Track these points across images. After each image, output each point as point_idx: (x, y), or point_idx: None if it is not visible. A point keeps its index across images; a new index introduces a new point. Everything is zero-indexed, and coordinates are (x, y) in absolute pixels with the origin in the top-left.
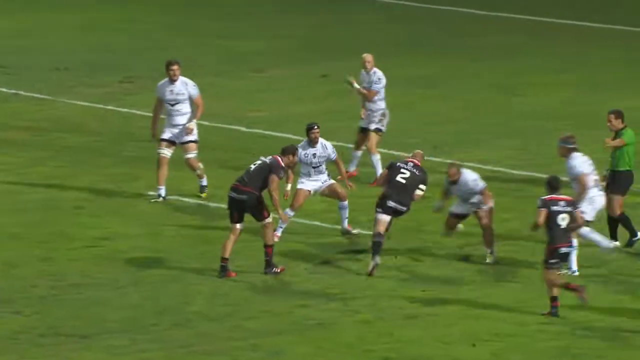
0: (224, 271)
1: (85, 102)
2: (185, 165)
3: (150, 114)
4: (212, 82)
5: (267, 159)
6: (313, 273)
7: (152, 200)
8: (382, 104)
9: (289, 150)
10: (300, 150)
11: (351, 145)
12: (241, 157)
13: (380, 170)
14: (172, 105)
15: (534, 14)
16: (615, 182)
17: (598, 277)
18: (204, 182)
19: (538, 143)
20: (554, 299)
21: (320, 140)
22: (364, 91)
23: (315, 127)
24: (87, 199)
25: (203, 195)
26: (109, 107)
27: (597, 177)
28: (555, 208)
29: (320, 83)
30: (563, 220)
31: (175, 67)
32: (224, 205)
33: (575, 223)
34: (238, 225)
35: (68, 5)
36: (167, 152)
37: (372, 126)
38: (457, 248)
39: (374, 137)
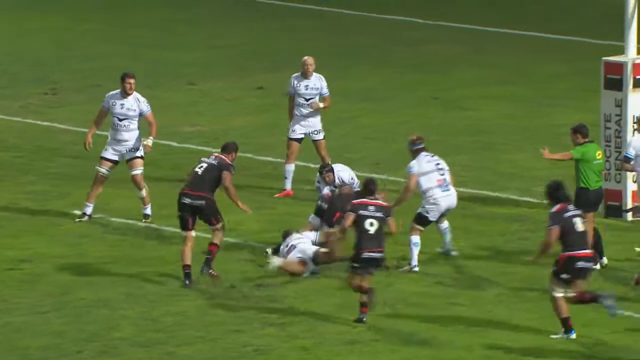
0: (189, 278)
1: (3, 116)
2: (131, 182)
3: (76, 128)
4: (143, 94)
5: (213, 160)
6: (247, 296)
7: (77, 220)
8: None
9: (231, 147)
10: None
11: (300, 162)
12: (171, 174)
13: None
14: (120, 120)
15: (476, 24)
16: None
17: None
18: (148, 210)
19: (483, 159)
20: (363, 305)
21: None
22: (323, 104)
23: None
24: (6, 217)
25: (146, 221)
26: (30, 121)
27: (445, 178)
28: (363, 212)
29: (257, 96)
30: (371, 226)
31: (132, 80)
32: (154, 225)
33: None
34: (192, 232)
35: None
36: (107, 172)
37: (322, 135)
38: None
39: (323, 144)
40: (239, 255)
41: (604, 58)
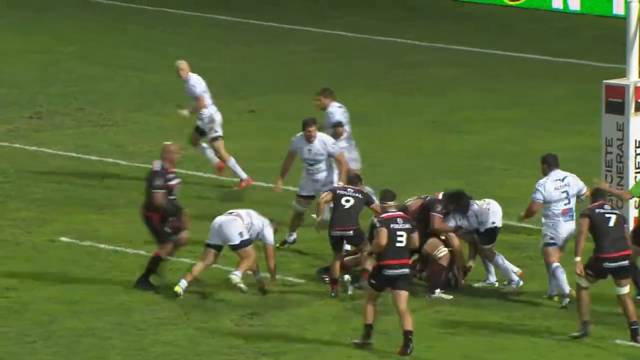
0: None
1: None
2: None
3: (63, 152)
4: (130, 118)
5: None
6: (240, 325)
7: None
8: (207, 111)
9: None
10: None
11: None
12: None
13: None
14: (310, 165)
15: (473, 46)
16: None
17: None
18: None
19: (481, 183)
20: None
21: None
22: (190, 110)
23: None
24: None
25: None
26: (16, 145)
27: None
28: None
29: (248, 119)
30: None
31: (311, 128)
32: (143, 252)
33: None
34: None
35: None
36: (304, 208)
37: (211, 135)
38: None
39: (220, 145)
40: (228, 285)
41: (605, 81)
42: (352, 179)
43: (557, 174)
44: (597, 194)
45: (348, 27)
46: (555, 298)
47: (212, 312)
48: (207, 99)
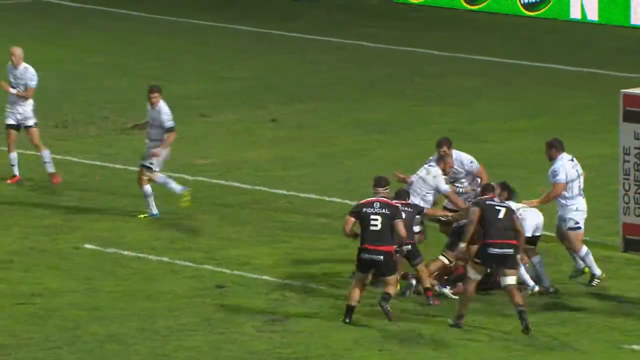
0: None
1: (17, 149)
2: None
3: (88, 161)
4: None
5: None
6: (261, 331)
7: None
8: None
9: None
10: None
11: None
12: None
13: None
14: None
15: (494, 55)
16: None
17: None
18: None
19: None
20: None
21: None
22: (23, 93)
23: None
24: (18, 252)
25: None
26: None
27: None
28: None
29: (270, 128)
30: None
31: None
32: (166, 259)
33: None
34: None
35: None
36: None
37: (31, 122)
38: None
39: (36, 132)
40: (254, 289)
41: (622, 90)
42: (400, 193)
43: (566, 155)
44: (486, 188)
45: (368, 37)
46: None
47: (234, 318)
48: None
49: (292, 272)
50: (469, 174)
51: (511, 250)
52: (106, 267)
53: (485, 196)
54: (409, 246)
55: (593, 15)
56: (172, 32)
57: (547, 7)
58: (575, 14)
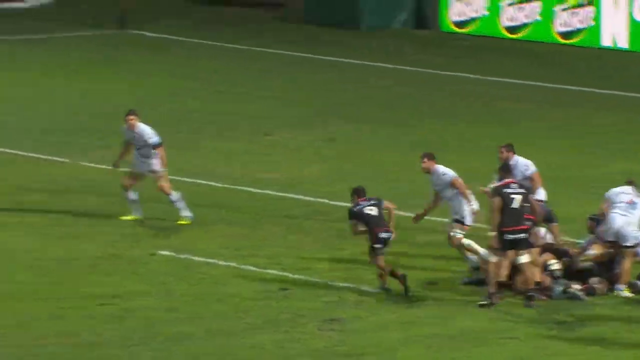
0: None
1: (95, 164)
2: None
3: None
4: (221, 144)
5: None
6: (322, 330)
7: None
8: None
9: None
10: None
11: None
12: (254, 218)
13: None
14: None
15: (533, 79)
16: None
17: None
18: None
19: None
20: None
21: None
22: None
23: None
24: (101, 257)
25: None
26: (121, 169)
27: None
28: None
29: (329, 146)
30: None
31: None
32: (234, 264)
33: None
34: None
35: (79, 73)
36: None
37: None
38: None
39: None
40: (315, 292)
41: None
42: None
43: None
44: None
45: (419, 63)
46: None
47: (296, 319)
48: None
49: (349, 277)
50: (525, 178)
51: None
52: (179, 272)
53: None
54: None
55: (623, 43)
56: (245, 59)
57: (581, 36)
58: (606, 41)
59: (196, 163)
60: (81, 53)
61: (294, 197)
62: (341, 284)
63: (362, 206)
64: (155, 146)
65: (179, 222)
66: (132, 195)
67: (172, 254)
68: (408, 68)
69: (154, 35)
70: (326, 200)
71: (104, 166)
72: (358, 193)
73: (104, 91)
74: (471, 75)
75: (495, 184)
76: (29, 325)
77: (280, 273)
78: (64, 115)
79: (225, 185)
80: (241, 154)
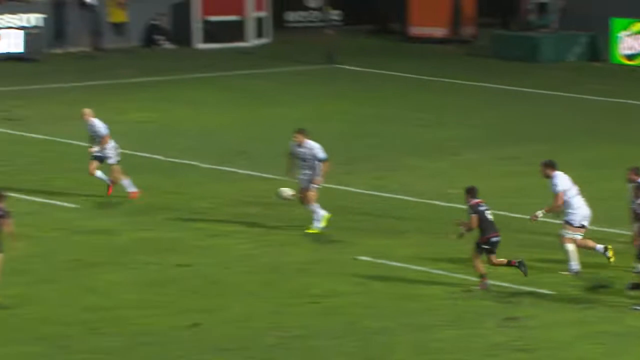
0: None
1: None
2: None
3: (365, 191)
4: (418, 164)
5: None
6: (501, 327)
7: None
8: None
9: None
10: None
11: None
12: (439, 228)
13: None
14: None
15: None
16: None
17: None
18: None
19: None
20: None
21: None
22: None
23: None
24: (310, 262)
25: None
26: (328, 185)
27: None
28: (481, 209)
29: (510, 165)
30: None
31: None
32: (425, 268)
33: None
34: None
35: (298, 101)
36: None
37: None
38: None
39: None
40: (496, 293)
41: None
42: None
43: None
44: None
45: (591, 92)
46: None
47: (479, 317)
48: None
49: (526, 280)
50: None
51: None
52: (377, 274)
53: None
54: None
55: None
56: (432, 89)
57: None
58: None
59: (394, 180)
60: (297, 84)
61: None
62: (519, 287)
63: (483, 208)
64: (322, 161)
65: (308, 230)
66: (314, 207)
67: (371, 259)
68: (579, 96)
69: (356, 69)
70: (507, 213)
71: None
72: (472, 193)
73: (322, 116)
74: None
75: None
76: (250, 320)
77: (465, 277)
78: (277, 137)
79: (419, 200)
80: (433, 172)
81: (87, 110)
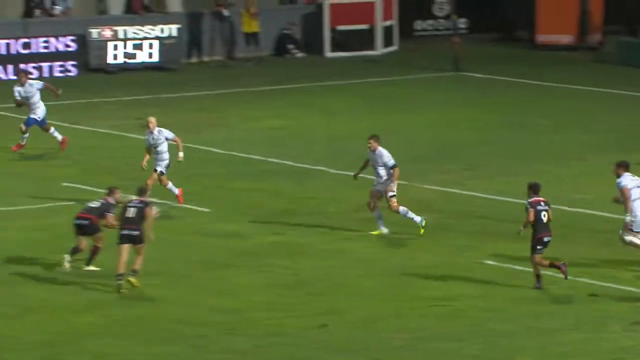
0: None
1: (433, 186)
2: None
3: (486, 195)
4: (543, 169)
5: None
6: (627, 331)
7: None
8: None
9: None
10: None
11: None
12: (562, 232)
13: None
14: None
15: None
16: None
17: None
18: None
19: None
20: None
21: None
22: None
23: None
24: (434, 265)
25: None
26: (452, 190)
27: None
28: (539, 208)
29: (634, 170)
30: (544, 217)
31: None
32: (548, 272)
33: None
34: None
35: (422, 109)
36: None
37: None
38: None
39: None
40: (619, 298)
41: None
42: None
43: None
44: None
45: None
46: None
47: (604, 321)
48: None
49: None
50: None
51: None
52: (501, 278)
53: None
54: None
55: None
56: (560, 96)
57: None
58: None
59: (516, 186)
60: (424, 92)
61: (599, 214)
62: None
63: (541, 207)
64: (391, 167)
65: (374, 232)
66: (376, 213)
67: (496, 263)
68: None
69: (483, 76)
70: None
71: (436, 187)
72: (534, 189)
73: (449, 122)
74: None
75: None
76: (374, 322)
77: (589, 281)
78: (406, 144)
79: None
80: (557, 177)
81: (152, 119)
